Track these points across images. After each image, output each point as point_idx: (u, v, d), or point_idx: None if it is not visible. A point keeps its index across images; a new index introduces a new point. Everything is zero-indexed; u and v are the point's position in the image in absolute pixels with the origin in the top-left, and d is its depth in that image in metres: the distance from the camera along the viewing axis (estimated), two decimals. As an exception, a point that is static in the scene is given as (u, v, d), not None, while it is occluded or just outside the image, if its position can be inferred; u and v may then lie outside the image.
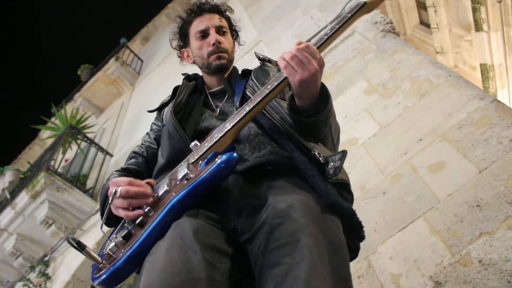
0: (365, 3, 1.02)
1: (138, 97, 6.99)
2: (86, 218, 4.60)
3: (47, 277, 4.28)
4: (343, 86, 2.73)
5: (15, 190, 5.11)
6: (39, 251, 4.67)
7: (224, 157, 0.88)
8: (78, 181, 4.96)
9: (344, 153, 0.91)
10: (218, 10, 1.31)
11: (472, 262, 1.54)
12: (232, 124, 0.96)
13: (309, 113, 0.99)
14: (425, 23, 5.73)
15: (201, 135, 1.06)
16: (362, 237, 0.96)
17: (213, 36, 1.24)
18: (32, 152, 8.74)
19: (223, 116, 1.13)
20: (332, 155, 0.94)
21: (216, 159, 0.88)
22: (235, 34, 1.39)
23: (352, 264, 1.89)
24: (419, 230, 1.77)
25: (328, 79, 2.81)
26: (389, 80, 2.50)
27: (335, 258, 0.79)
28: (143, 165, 1.20)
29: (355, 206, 0.98)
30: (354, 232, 0.94)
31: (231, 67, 1.32)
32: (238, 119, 0.96)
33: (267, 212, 0.84)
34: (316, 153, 0.94)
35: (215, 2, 1.34)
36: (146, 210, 0.92)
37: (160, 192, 0.94)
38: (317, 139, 1.04)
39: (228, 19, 1.35)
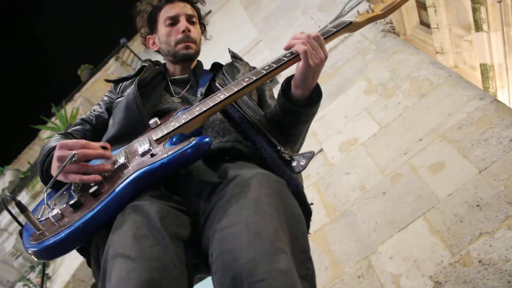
0: (350, 23, 1.07)
1: (138, 97, 6.98)
2: (86, 218, 4.60)
3: (47, 277, 4.28)
4: (343, 86, 2.73)
5: (15, 190, 5.11)
6: (39, 251, 4.67)
7: (204, 139, 0.87)
8: (78, 181, 4.95)
9: (311, 154, 0.93)
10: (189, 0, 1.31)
11: (472, 262, 1.54)
12: (204, 109, 0.94)
13: (302, 103, 1.01)
14: (425, 23, 5.73)
15: (160, 115, 1.05)
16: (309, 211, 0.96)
17: (183, 23, 1.23)
18: (32, 152, 8.73)
19: (185, 103, 1.14)
20: (298, 154, 0.96)
21: (191, 140, 0.86)
22: (202, 27, 1.38)
23: (352, 264, 1.89)
24: (419, 230, 1.77)
25: (328, 79, 2.81)
26: (389, 80, 2.50)
27: (295, 230, 0.79)
28: (90, 133, 1.17)
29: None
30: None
31: (196, 60, 1.32)
32: (211, 104, 0.94)
33: (227, 184, 0.85)
34: (281, 149, 0.96)
35: None
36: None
37: (116, 165, 0.89)
38: (286, 140, 1.06)
39: (198, 11, 1.34)
